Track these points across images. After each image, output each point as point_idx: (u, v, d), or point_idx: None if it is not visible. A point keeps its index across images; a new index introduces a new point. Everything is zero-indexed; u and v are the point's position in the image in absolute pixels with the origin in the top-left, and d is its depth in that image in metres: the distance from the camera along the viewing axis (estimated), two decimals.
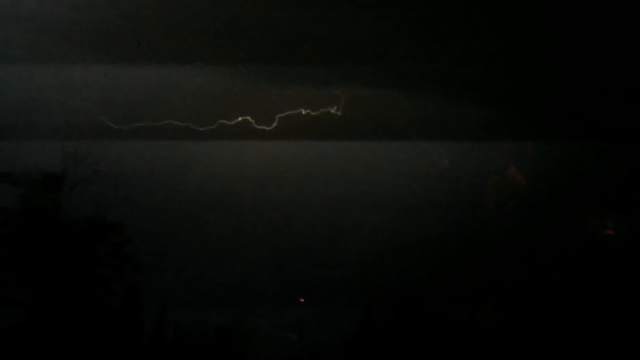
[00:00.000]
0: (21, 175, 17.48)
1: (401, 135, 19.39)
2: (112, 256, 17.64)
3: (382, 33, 18.64)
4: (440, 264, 19.65)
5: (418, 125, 19.29)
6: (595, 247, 20.08)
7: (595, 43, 18.47)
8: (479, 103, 19.20)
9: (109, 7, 18.04)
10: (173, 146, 19.13)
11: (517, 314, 19.12)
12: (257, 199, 19.90)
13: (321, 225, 20.00)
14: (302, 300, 19.67)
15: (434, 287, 19.26)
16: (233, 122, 18.96)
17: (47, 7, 18.13)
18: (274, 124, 18.99)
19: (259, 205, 19.95)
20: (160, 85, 18.71)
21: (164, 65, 18.53)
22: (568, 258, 19.63)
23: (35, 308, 16.99)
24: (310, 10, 18.14)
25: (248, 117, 18.92)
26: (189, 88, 18.94)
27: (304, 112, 19.04)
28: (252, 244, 19.59)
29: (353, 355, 19.05)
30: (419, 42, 18.64)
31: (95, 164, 17.67)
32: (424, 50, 18.69)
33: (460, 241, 19.89)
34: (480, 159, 20.24)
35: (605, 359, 18.06)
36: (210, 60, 18.75)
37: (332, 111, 19.07)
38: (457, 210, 20.30)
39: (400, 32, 18.53)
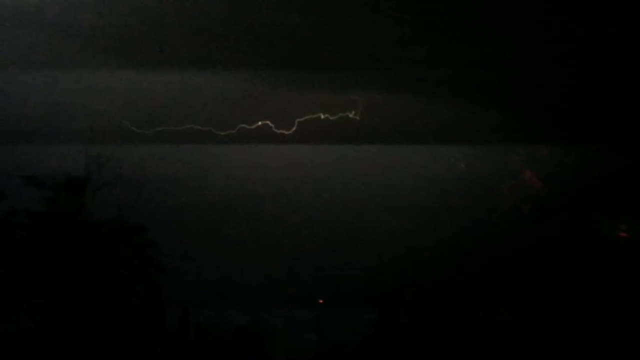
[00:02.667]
0: (45, 179, 17.49)
1: (418, 139, 19.33)
2: (133, 258, 17.65)
3: (400, 38, 18.57)
4: (456, 266, 19.57)
5: (435, 129, 19.23)
6: (611, 249, 19.96)
7: (610, 47, 18.36)
8: (495, 107, 19.12)
9: (131, 14, 18.02)
10: (194, 150, 19.12)
11: (532, 315, 19.00)
12: (276, 202, 19.88)
13: (339, 227, 19.95)
14: (321, 301, 19.62)
15: (450, 288, 19.18)
16: (253, 127, 18.93)
17: (70, 14, 18.13)
18: (294, 129, 18.95)
19: (278, 208, 19.91)
20: (181, 90, 18.70)
21: (185, 70, 18.53)
22: (583, 260, 19.50)
23: (58, 309, 17.01)
24: (329, 16, 18.09)
25: (268, 122, 18.90)
26: (210, 93, 18.93)
27: (322, 116, 19.00)
28: (271, 246, 19.56)
29: (371, 355, 18.99)
30: (436, 47, 18.56)
31: (118, 167, 17.67)
32: (441, 55, 18.61)
33: (476, 243, 19.81)
34: (496, 162, 20.16)
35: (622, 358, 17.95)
36: (231, 65, 18.72)
37: (351, 116, 19.03)
38: (473, 213, 20.23)
39: (418, 37, 18.45)
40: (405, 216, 20.08)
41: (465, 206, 20.25)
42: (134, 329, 17.68)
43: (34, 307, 17.27)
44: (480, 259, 19.91)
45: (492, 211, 20.50)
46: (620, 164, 20.04)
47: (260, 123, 19.16)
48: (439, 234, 20.00)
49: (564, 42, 19.02)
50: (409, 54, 19.17)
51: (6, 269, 17.18)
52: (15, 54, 18.73)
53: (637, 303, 18.79)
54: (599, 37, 18.75)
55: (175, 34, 18.75)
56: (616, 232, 20.39)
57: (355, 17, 18.54)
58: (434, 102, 19.36)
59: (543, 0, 18.61)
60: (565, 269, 19.74)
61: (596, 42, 18.78)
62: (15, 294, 17.04)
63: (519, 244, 20.01)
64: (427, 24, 18.79)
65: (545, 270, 19.77)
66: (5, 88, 18.59)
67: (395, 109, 19.50)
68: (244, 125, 19.14)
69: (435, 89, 19.28)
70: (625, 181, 20.16)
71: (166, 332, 18.36)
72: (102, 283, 17.53)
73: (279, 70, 19.21)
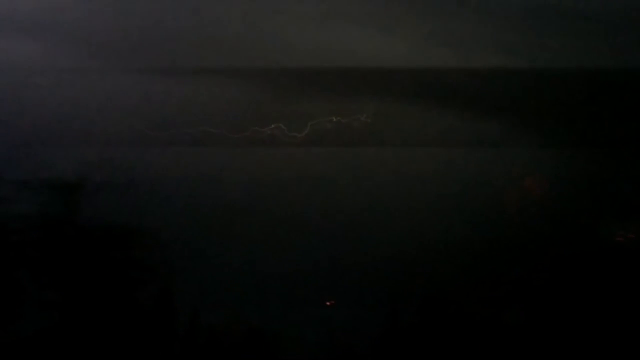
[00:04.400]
0: (60, 181, 17.54)
1: (428, 142, 19.51)
2: (141, 260, 17.71)
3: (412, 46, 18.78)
4: (465, 267, 19.75)
5: (444, 133, 19.42)
6: (617, 251, 20.19)
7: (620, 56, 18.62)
8: (500, 113, 19.36)
9: (147, 20, 18.14)
10: (209, 152, 19.22)
11: (539, 315, 19.20)
12: (288, 204, 19.98)
13: (350, 229, 20.08)
14: (331, 302, 19.76)
15: (458, 289, 19.36)
16: (266, 129, 19.06)
17: (86, 20, 18.23)
18: (306, 131, 19.09)
19: (290, 210, 20.03)
20: (196, 94, 18.82)
21: (200, 75, 18.65)
22: (590, 261, 19.71)
23: (63, 310, 17.07)
24: (341, 24, 18.28)
25: (280, 125, 19.04)
26: (223, 97, 19.04)
27: (334, 119, 19.16)
28: (283, 248, 19.68)
29: (379, 354, 19.14)
30: (446, 55, 18.79)
31: (132, 169, 17.74)
32: (450, 64, 18.85)
33: (484, 245, 19.99)
34: (503, 166, 20.35)
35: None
36: (245, 70, 18.85)
37: (362, 119, 19.21)
38: (481, 215, 20.40)
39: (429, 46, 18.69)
40: (415, 218, 20.22)
41: (474, 208, 20.41)
42: (145, 330, 17.75)
43: (38, 308, 17.29)
44: (488, 260, 20.10)
45: (500, 213, 20.67)
46: (628, 168, 20.23)
47: (273, 126, 19.28)
48: (448, 235, 20.16)
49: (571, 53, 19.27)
50: (420, 62, 19.37)
51: (22, 270, 17.22)
52: (32, 59, 18.79)
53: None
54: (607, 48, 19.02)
55: (191, 40, 18.87)
56: (621, 234, 20.64)
57: (368, 25, 18.72)
58: (442, 107, 19.56)
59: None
60: (574, 269, 19.94)
61: (604, 53, 19.05)
62: (26, 295, 17.08)
63: (527, 245, 20.21)
64: (438, 34, 19.02)
65: (554, 271, 19.96)
66: (20, 92, 18.64)
67: (405, 113, 19.68)
68: (257, 128, 19.26)
69: (443, 95, 19.47)
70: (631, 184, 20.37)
71: (177, 332, 18.43)
72: (112, 285, 17.60)
73: (292, 74, 19.35)
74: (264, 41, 18.55)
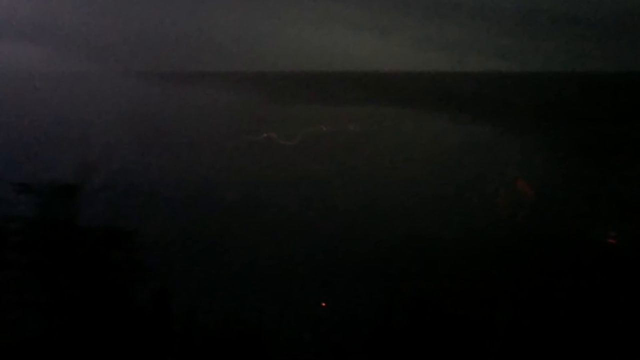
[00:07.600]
0: (59, 184, 17.95)
1: (419, 150, 19.67)
2: (124, 262, 17.95)
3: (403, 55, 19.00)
4: (458, 270, 19.77)
5: (434, 140, 19.59)
6: (614, 253, 19.96)
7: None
8: (494, 119, 19.45)
9: (142, 26, 18.71)
10: (203, 159, 19.60)
11: (533, 317, 19.09)
12: (283, 207, 20.28)
13: (344, 235, 20.28)
14: (324, 304, 20.00)
15: (450, 291, 19.41)
16: (259, 138, 19.48)
17: (94, 32, 18.88)
18: (298, 140, 19.43)
19: (284, 213, 20.33)
20: (193, 104, 19.33)
21: (197, 86, 19.17)
22: (583, 264, 19.53)
23: (56, 311, 17.32)
24: (337, 34, 18.59)
25: (272, 133, 19.43)
26: (220, 106, 19.51)
27: (324, 128, 19.48)
28: (280, 250, 19.97)
29: (373, 355, 19.21)
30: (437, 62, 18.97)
31: (131, 175, 18.14)
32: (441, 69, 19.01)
33: (478, 247, 20.00)
34: (496, 170, 20.34)
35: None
36: (241, 81, 19.32)
37: (352, 128, 19.50)
38: (475, 219, 20.41)
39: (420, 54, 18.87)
40: (408, 222, 20.33)
41: (468, 213, 20.44)
42: (141, 331, 18.07)
43: (30, 308, 17.61)
44: (481, 262, 20.10)
45: (494, 216, 20.64)
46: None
47: (265, 135, 19.68)
48: (441, 240, 20.20)
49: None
50: (411, 68, 19.58)
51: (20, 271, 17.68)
52: (32, 65, 19.56)
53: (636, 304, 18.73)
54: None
55: (192, 53, 19.45)
56: (614, 236, 20.42)
57: (363, 35, 19.00)
58: (433, 114, 19.74)
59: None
60: (568, 272, 19.77)
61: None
62: (19, 298, 17.49)
63: (520, 247, 20.12)
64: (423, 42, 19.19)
65: (547, 273, 19.83)
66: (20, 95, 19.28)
67: (394, 122, 19.89)
68: (249, 137, 19.68)
69: (435, 102, 19.65)
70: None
71: (173, 333, 18.74)
72: (110, 286, 17.98)
73: (286, 84, 19.76)
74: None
